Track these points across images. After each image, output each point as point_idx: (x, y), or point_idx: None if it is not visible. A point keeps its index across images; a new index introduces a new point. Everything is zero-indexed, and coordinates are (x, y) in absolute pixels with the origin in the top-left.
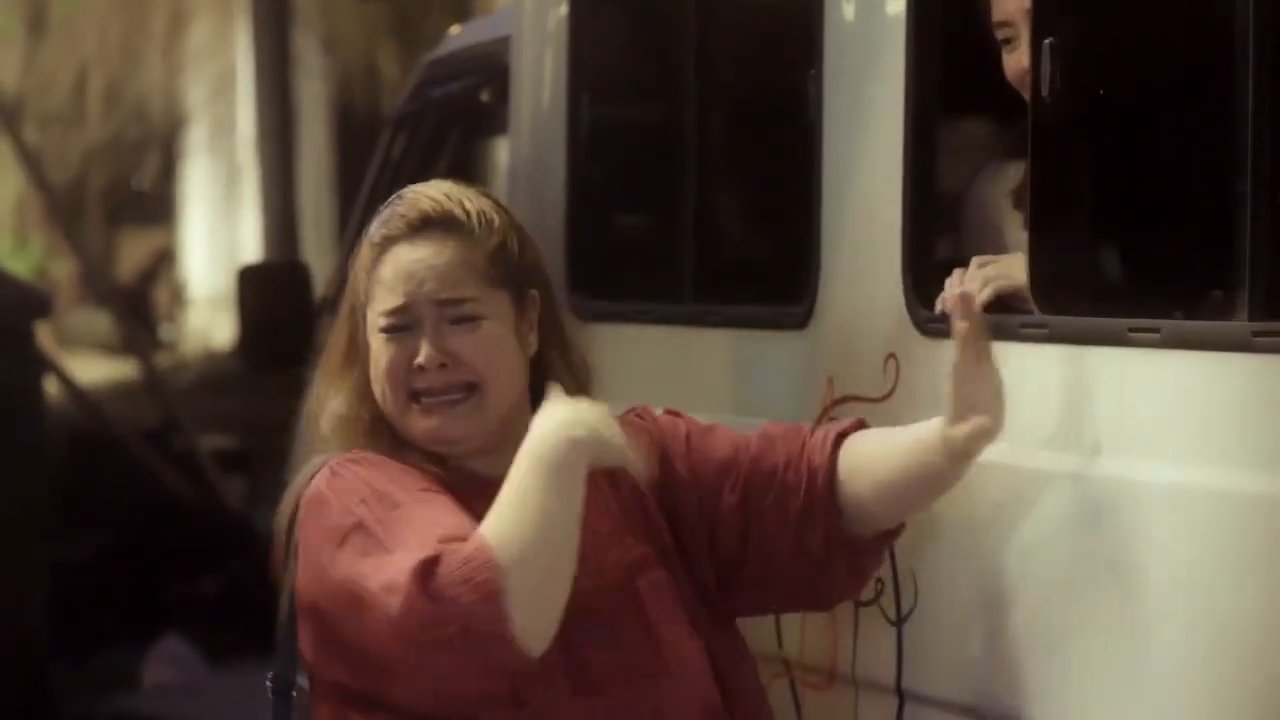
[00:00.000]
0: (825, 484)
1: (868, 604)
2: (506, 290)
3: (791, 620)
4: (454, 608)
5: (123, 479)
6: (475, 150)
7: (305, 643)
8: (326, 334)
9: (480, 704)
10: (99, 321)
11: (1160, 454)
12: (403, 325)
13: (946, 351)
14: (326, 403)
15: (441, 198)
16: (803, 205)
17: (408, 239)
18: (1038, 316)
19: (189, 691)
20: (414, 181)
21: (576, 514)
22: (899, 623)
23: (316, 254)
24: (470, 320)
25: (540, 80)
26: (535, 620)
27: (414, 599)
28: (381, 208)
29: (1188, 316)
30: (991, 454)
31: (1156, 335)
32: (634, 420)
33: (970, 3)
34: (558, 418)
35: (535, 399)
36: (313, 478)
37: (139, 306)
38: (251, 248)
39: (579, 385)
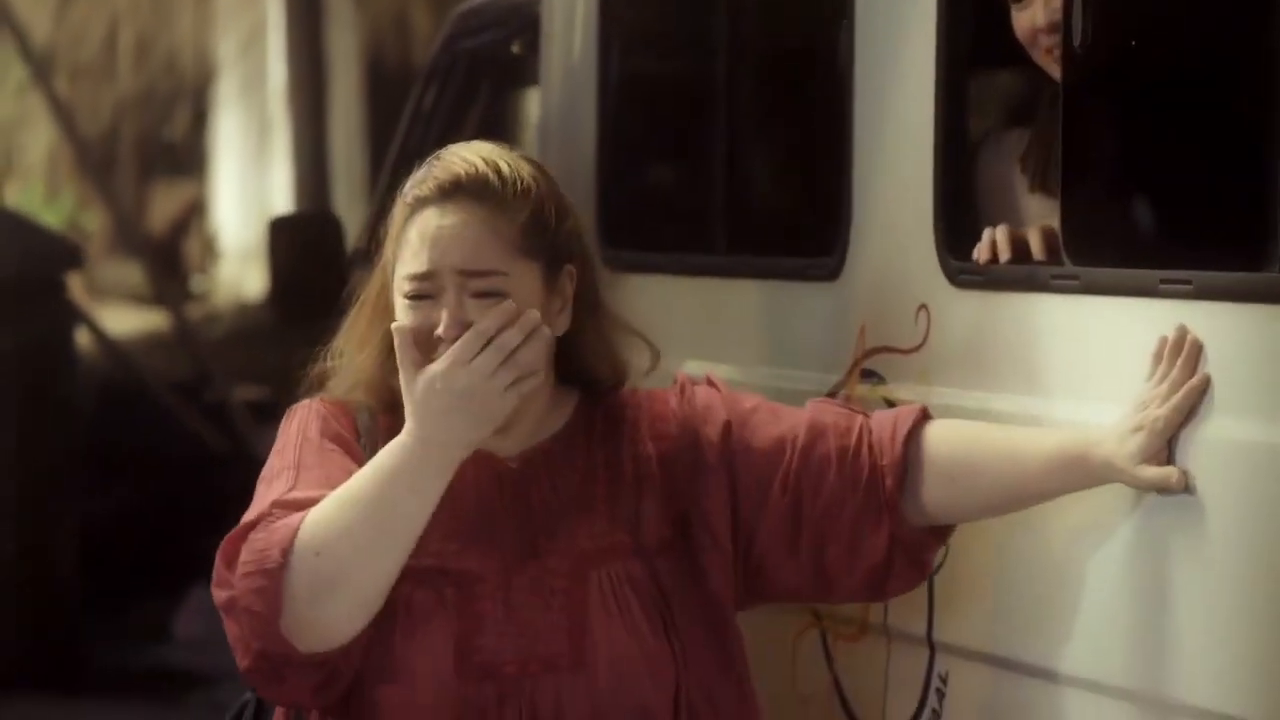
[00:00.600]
0: (895, 484)
1: None
2: (537, 263)
3: None
4: (235, 576)
5: (154, 430)
6: (506, 102)
7: None
8: (358, 286)
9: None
10: (130, 273)
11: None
12: (425, 293)
13: (977, 302)
14: (350, 356)
15: (477, 161)
16: (834, 156)
17: (438, 203)
18: (1069, 268)
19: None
20: (445, 134)
21: (410, 523)
22: (931, 574)
23: (348, 205)
24: (493, 295)
25: (571, 31)
26: (308, 613)
27: (219, 556)
28: (418, 165)
29: (1219, 268)
30: (1023, 406)
31: (1188, 287)
32: (663, 403)
33: None
34: (434, 409)
35: (566, 375)
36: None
37: (170, 258)
38: (283, 199)
39: (609, 367)
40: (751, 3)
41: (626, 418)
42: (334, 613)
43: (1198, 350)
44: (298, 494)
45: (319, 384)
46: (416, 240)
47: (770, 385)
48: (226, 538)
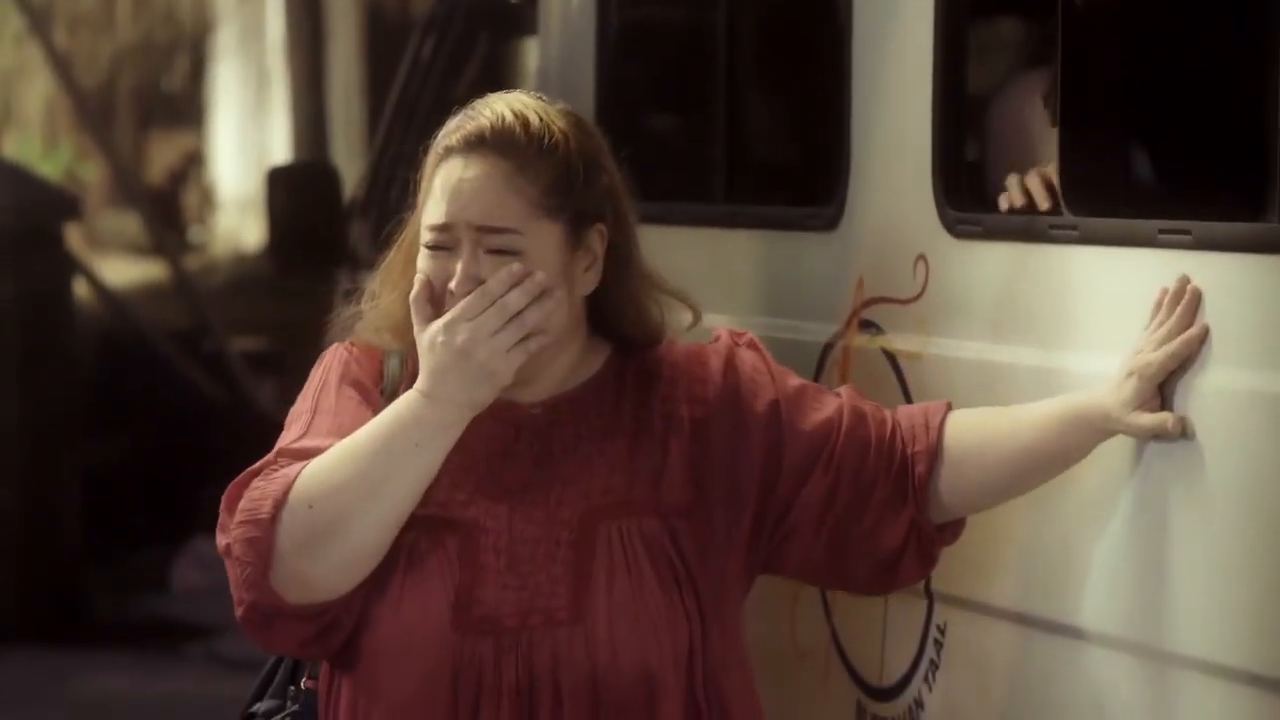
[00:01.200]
0: (925, 471)
1: None
2: (561, 223)
3: None
4: (232, 523)
5: (153, 381)
6: (504, 52)
7: None
8: (358, 236)
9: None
10: (129, 224)
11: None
12: (443, 244)
13: (975, 253)
14: (381, 299)
15: (506, 114)
16: (833, 106)
17: (463, 153)
18: (1068, 218)
19: (218, 594)
20: (443, 84)
21: (410, 479)
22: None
23: (346, 156)
24: (508, 253)
25: None
26: (298, 566)
27: (223, 501)
28: (454, 111)
29: (1219, 218)
30: (1022, 356)
31: (1188, 237)
32: (703, 365)
33: None
34: (436, 364)
35: (600, 329)
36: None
37: (168, 209)
38: (281, 150)
39: (641, 326)
40: None
41: (662, 374)
42: (325, 567)
43: (1197, 300)
44: (305, 443)
45: (351, 327)
46: (439, 190)
47: (768, 335)
48: (231, 483)
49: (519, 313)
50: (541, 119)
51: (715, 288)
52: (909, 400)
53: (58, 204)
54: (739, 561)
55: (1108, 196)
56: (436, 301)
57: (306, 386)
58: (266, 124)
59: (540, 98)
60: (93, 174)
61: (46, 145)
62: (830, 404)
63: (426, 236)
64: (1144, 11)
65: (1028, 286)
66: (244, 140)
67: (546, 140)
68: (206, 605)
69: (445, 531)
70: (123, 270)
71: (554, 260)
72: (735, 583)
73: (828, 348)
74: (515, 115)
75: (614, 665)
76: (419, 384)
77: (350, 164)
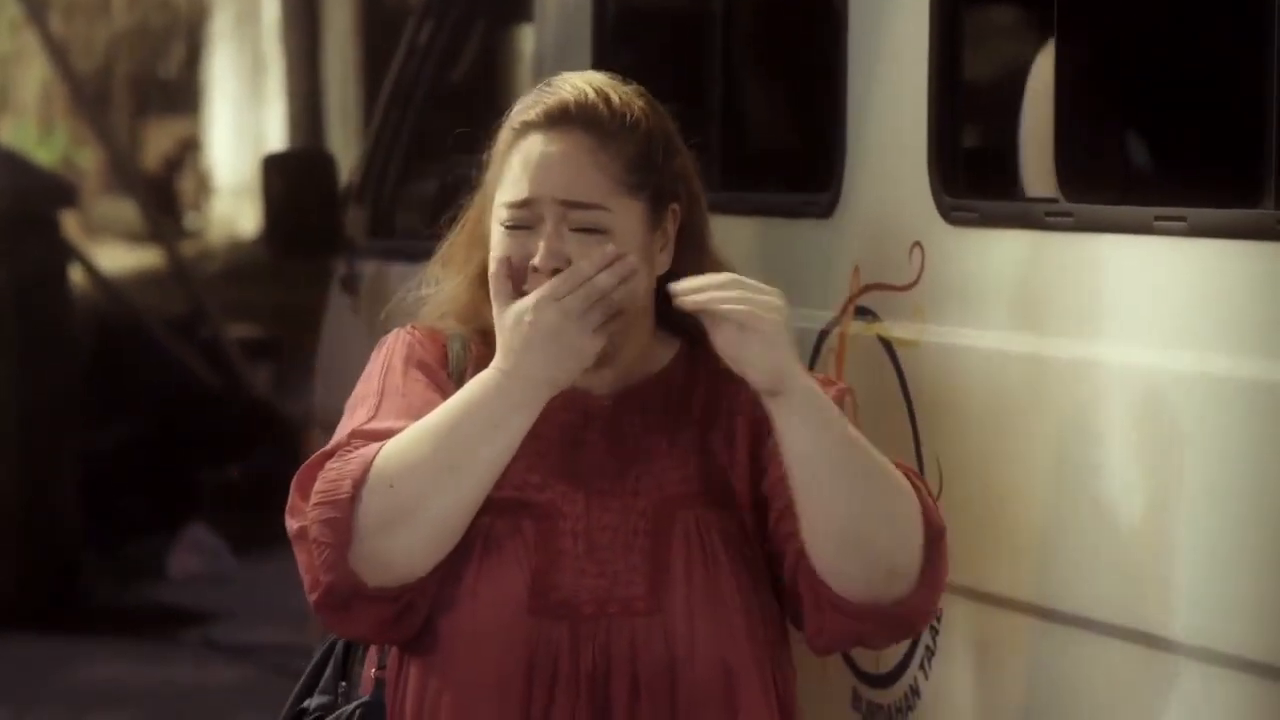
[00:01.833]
0: None
1: None
2: (642, 201)
3: None
4: (307, 505)
5: (149, 367)
6: (501, 38)
7: None
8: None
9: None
10: (125, 210)
11: (1185, 342)
12: (523, 222)
13: (971, 240)
14: (444, 283)
15: (588, 90)
16: (829, 93)
17: (544, 129)
18: (1064, 205)
19: (215, 580)
20: (440, 70)
21: (489, 459)
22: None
23: (342, 142)
24: (594, 231)
25: None
26: (379, 545)
27: (294, 485)
28: (529, 91)
29: (1214, 204)
30: (1018, 343)
31: (1183, 224)
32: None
33: None
34: (520, 343)
35: (666, 316)
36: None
37: (164, 195)
38: (277, 136)
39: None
40: None
41: (734, 373)
42: (406, 546)
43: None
44: (377, 424)
45: (413, 311)
46: (519, 167)
47: None
48: (303, 466)
49: (605, 295)
50: (621, 97)
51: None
52: (905, 388)
53: (53, 190)
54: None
55: (1104, 183)
56: (516, 280)
57: (369, 369)
58: (262, 110)
59: (613, 77)
60: (89, 160)
61: (42, 131)
62: None
63: (505, 215)
64: None
65: (1024, 273)
66: (240, 126)
67: (629, 117)
68: (204, 592)
69: (522, 515)
70: (119, 257)
71: (637, 238)
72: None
73: (823, 335)
74: (596, 92)
75: (692, 657)
76: (497, 361)
77: (346, 150)
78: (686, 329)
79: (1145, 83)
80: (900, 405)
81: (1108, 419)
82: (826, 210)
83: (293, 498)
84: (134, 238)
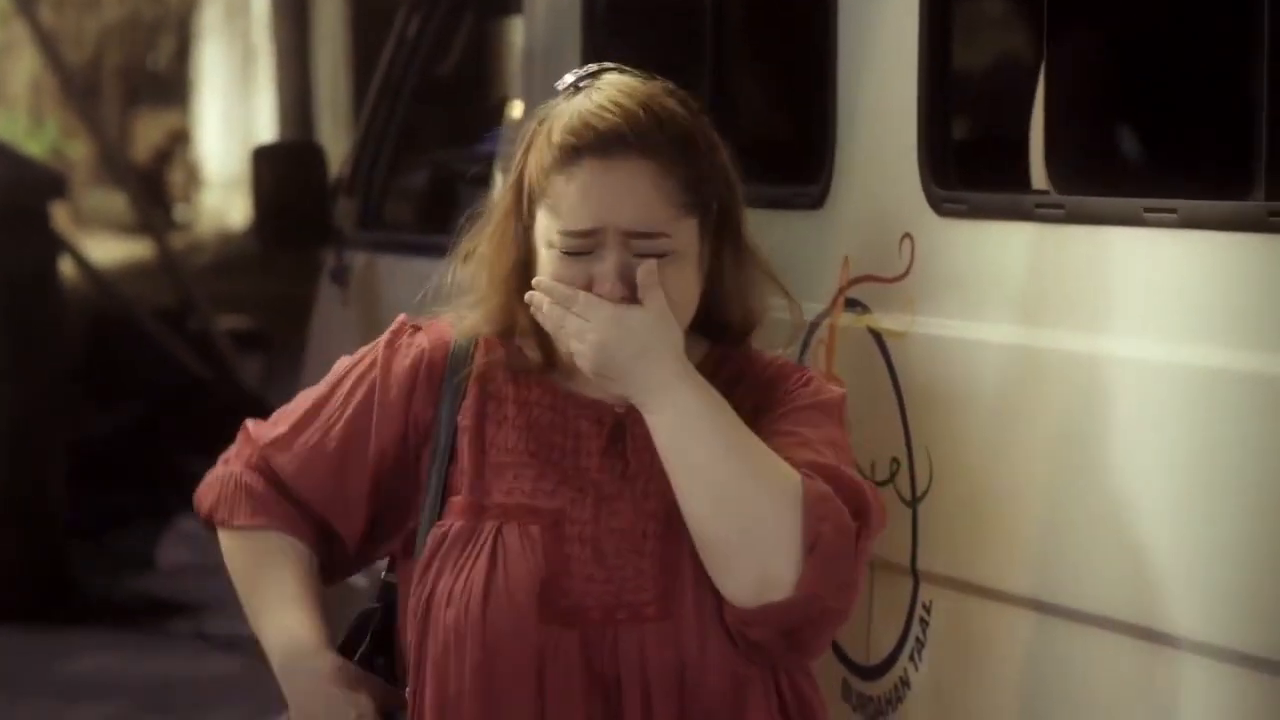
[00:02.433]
0: None
1: (883, 484)
2: (697, 216)
3: None
4: (233, 456)
5: (138, 359)
6: (490, 30)
7: None
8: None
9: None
10: (114, 202)
11: (1176, 334)
12: (583, 250)
13: (961, 231)
14: (477, 281)
15: (639, 113)
16: (819, 85)
17: (600, 155)
18: (1054, 197)
19: (204, 572)
20: (429, 63)
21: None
22: (914, 503)
23: (332, 134)
24: (659, 256)
25: None
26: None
27: (239, 436)
28: (565, 91)
29: (1204, 196)
30: (1007, 335)
31: (1173, 215)
32: (784, 381)
33: None
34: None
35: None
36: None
37: (154, 187)
38: (267, 128)
39: (741, 309)
40: None
41: (747, 378)
42: None
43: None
44: (278, 459)
45: (434, 301)
46: (577, 194)
47: None
48: (243, 426)
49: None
50: (668, 112)
51: None
52: (895, 379)
53: (43, 182)
54: None
55: (1093, 175)
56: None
57: (340, 366)
58: (252, 102)
59: (650, 77)
60: (78, 152)
61: (32, 123)
62: (795, 453)
63: (561, 241)
64: None
65: (1013, 265)
66: (230, 118)
67: (680, 135)
68: (194, 583)
69: (531, 521)
70: (109, 248)
71: (694, 251)
72: None
73: (813, 326)
74: (645, 110)
75: (702, 664)
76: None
77: (336, 142)
78: (715, 324)
79: (1135, 74)
80: (890, 397)
81: (1099, 411)
82: (816, 202)
83: (235, 445)
84: (124, 229)
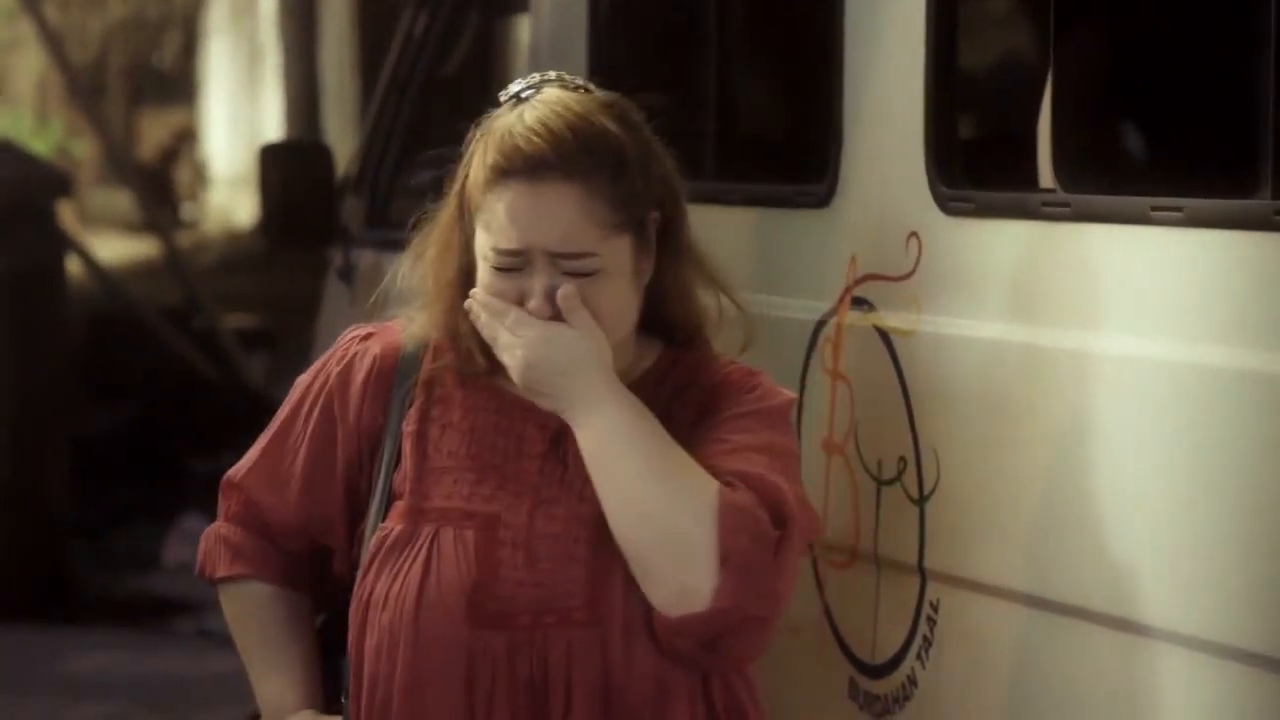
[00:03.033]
0: None
1: (890, 483)
2: (629, 234)
3: (814, 499)
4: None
5: (144, 357)
6: (496, 29)
7: None
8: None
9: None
10: (120, 200)
11: (1182, 333)
12: (513, 266)
13: (968, 230)
14: (424, 284)
15: (567, 136)
16: (825, 82)
17: (525, 179)
18: (1060, 195)
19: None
20: (436, 62)
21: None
22: (921, 501)
23: (338, 133)
24: (587, 275)
25: None
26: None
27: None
28: (506, 102)
29: (1210, 195)
30: (1014, 333)
31: (1179, 214)
32: (735, 391)
33: None
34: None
35: (651, 329)
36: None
37: (160, 185)
38: (273, 127)
39: (684, 312)
40: None
41: (698, 383)
42: None
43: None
44: (253, 491)
45: (379, 308)
46: (505, 215)
47: (761, 313)
48: (225, 479)
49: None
50: (598, 129)
51: None
52: (902, 377)
53: (49, 180)
54: None
55: (1100, 173)
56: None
57: (299, 385)
58: (258, 101)
59: (580, 87)
60: (84, 150)
61: (38, 121)
62: (723, 461)
63: (493, 258)
64: None
65: (1021, 263)
66: (236, 117)
67: (609, 156)
68: (197, 582)
69: (467, 525)
70: (114, 247)
71: (627, 268)
72: None
73: (820, 325)
74: (574, 132)
75: (628, 669)
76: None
77: (342, 141)
78: (664, 327)
79: (1142, 73)
80: (897, 395)
81: (1105, 410)
82: (823, 200)
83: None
84: (130, 228)
